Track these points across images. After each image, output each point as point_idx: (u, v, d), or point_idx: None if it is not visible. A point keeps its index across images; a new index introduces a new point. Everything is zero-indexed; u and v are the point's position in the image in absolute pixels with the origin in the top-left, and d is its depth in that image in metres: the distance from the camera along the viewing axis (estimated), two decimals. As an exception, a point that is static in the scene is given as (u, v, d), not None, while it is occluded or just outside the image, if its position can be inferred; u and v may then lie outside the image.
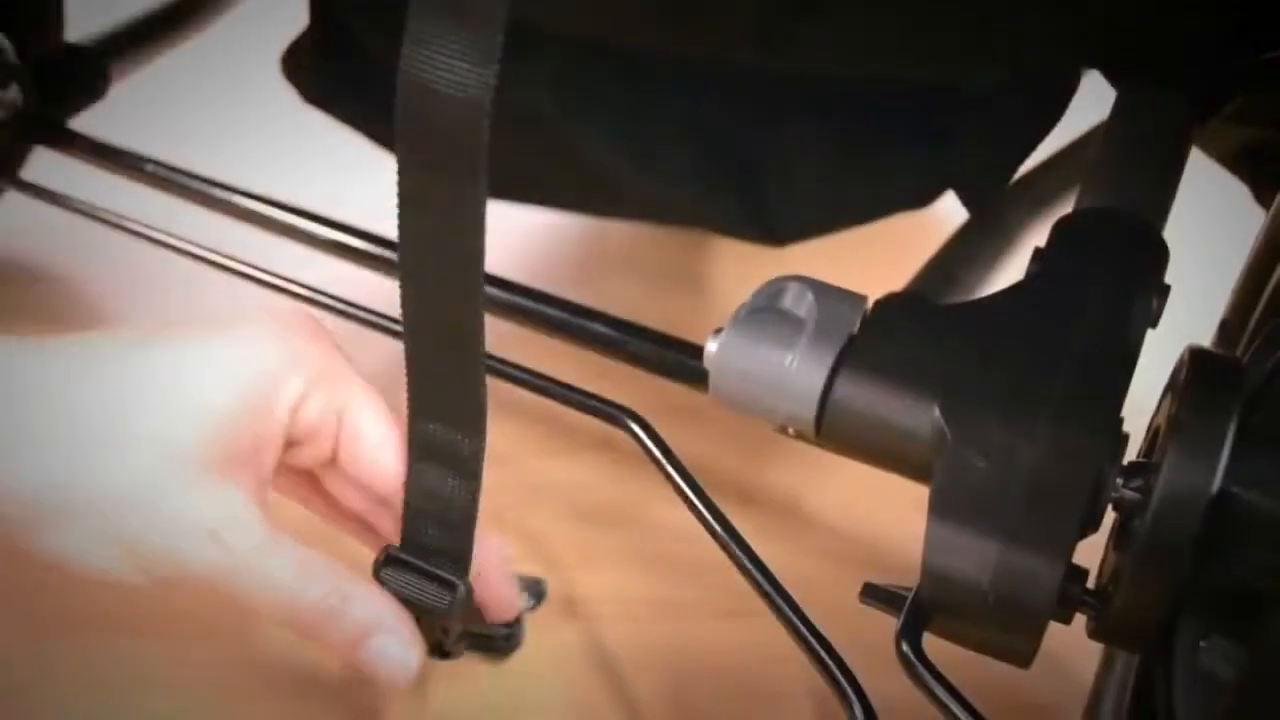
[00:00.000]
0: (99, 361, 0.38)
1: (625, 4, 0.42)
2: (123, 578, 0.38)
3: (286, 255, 0.58)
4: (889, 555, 0.60)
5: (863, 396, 0.39)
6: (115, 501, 0.37)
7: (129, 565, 0.37)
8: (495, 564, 0.44)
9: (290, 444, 0.41)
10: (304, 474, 0.44)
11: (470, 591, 0.43)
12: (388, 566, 0.42)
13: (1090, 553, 0.39)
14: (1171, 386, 0.39)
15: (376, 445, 0.41)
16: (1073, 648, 0.43)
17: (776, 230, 0.56)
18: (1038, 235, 0.49)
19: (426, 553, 0.42)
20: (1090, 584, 0.38)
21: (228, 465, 0.38)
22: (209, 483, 0.37)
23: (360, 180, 0.57)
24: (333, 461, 0.42)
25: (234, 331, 0.40)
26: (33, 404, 0.36)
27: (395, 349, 0.54)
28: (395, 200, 0.35)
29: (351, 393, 0.41)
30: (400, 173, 0.35)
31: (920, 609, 0.38)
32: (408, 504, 0.42)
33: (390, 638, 0.41)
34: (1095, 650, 0.46)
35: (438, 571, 0.42)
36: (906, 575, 0.39)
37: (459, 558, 0.42)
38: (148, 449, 0.37)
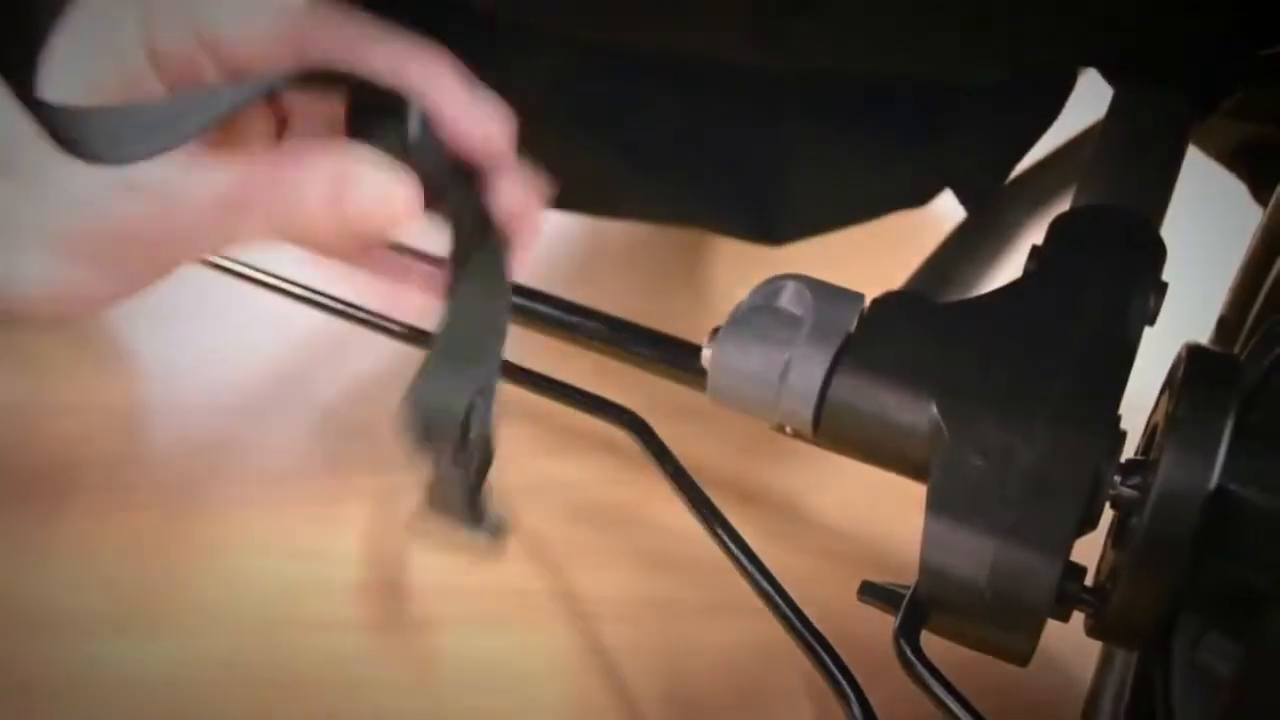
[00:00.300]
0: None
1: (623, 4, 0.42)
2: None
3: (286, 256, 0.58)
4: (888, 554, 0.60)
5: (860, 395, 0.39)
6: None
7: None
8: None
9: None
10: None
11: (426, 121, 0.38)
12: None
13: (1089, 550, 0.39)
14: (1169, 384, 0.39)
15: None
16: (1071, 645, 0.43)
17: (774, 229, 0.56)
18: (1035, 233, 0.49)
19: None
20: (1089, 581, 0.38)
21: None
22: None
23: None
24: None
25: None
26: None
27: (395, 349, 0.55)
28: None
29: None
30: None
31: (918, 607, 0.38)
32: None
33: (363, 168, 0.37)
34: (1093, 648, 0.46)
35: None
36: (906, 574, 0.39)
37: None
38: None
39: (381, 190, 0.37)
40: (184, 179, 0.35)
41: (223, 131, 0.37)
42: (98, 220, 0.35)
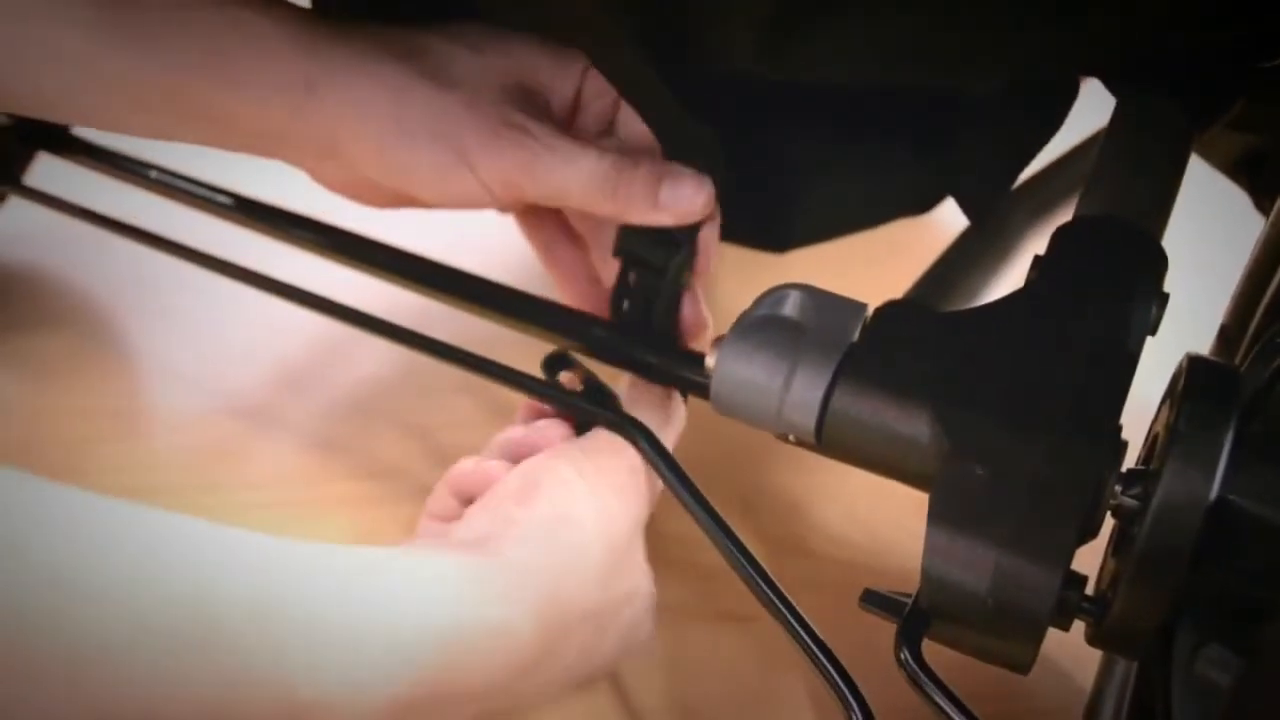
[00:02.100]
0: None
1: (624, 13, 0.43)
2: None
3: (288, 259, 0.58)
4: (890, 561, 0.60)
5: (862, 405, 0.40)
6: None
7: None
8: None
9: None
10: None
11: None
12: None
13: (1091, 558, 0.39)
14: (1170, 395, 0.39)
15: None
16: (1072, 653, 0.43)
17: (778, 236, 0.56)
18: (1038, 242, 0.49)
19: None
20: (1090, 589, 0.38)
21: None
22: None
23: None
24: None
25: None
26: None
27: (395, 351, 0.55)
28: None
29: None
30: None
31: (919, 615, 0.38)
32: None
33: (675, 176, 0.46)
34: (1094, 656, 0.46)
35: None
36: (908, 581, 0.39)
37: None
38: None
39: (690, 193, 0.46)
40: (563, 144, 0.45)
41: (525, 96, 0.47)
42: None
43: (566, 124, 0.48)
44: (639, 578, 0.44)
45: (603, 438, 0.45)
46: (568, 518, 0.40)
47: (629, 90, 0.47)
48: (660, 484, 0.45)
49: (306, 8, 0.47)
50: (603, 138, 0.49)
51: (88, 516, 0.29)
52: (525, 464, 0.43)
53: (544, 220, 0.52)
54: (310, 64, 0.44)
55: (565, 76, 0.48)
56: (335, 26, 0.46)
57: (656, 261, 0.48)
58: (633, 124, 0.48)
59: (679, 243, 0.47)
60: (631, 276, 0.49)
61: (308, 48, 0.44)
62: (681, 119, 0.47)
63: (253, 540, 0.33)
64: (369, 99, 0.45)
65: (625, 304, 0.49)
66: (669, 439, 0.46)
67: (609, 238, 0.50)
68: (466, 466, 0.45)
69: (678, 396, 0.48)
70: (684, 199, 0.46)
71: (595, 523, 0.41)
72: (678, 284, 0.48)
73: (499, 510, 0.40)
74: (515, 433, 0.47)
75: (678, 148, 0.48)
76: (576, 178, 0.45)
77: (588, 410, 0.46)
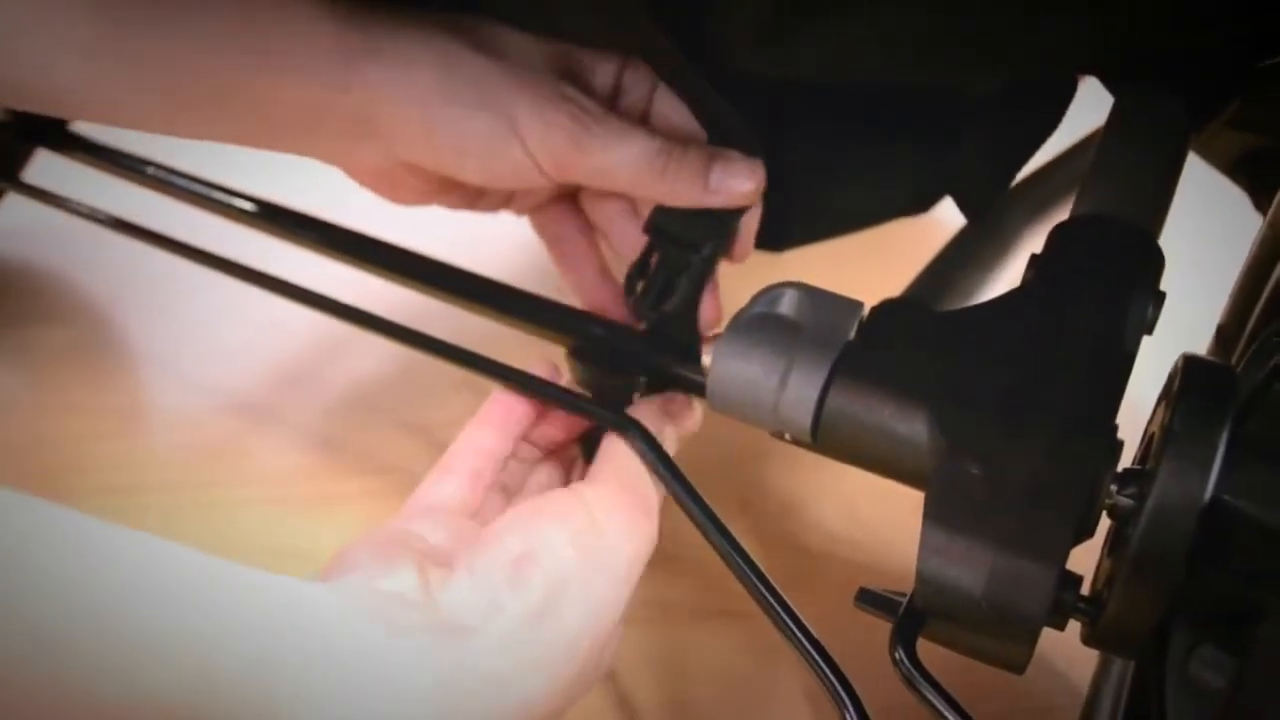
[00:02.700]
0: None
1: (624, 9, 0.42)
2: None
3: (287, 257, 0.58)
4: (887, 560, 0.60)
5: (858, 404, 0.40)
6: None
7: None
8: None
9: None
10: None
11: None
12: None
13: (1087, 558, 0.39)
14: (1166, 394, 0.39)
15: None
16: (1068, 652, 0.43)
17: (775, 235, 0.56)
18: (1035, 241, 0.49)
19: None
20: (1086, 590, 0.38)
21: None
22: None
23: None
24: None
25: None
26: None
27: (395, 350, 0.55)
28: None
29: None
30: None
31: (915, 614, 0.38)
32: None
33: (727, 159, 0.46)
34: (1091, 655, 0.46)
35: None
36: (904, 580, 0.39)
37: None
38: None
39: (742, 178, 0.46)
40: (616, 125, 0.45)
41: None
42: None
43: (609, 108, 0.47)
44: (598, 670, 0.42)
45: (613, 481, 0.42)
46: (555, 612, 0.38)
47: (672, 76, 0.46)
48: (662, 490, 0.44)
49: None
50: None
51: (80, 540, 0.29)
52: (527, 521, 0.40)
53: (556, 211, 0.52)
54: (351, 36, 0.43)
55: (606, 62, 0.47)
56: (374, 2, 0.44)
57: (695, 239, 0.47)
58: (668, 115, 0.47)
59: (722, 225, 0.47)
60: (655, 257, 0.48)
61: (346, 20, 0.43)
62: (728, 105, 0.46)
63: (245, 583, 0.33)
64: (415, 70, 0.43)
65: (640, 285, 0.48)
66: (669, 441, 0.45)
67: (627, 230, 0.49)
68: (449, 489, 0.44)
69: (696, 404, 0.47)
70: (736, 182, 0.46)
71: (580, 620, 0.38)
72: (709, 267, 0.47)
73: (485, 585, 0.37)
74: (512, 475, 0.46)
75: (724, 134, 0.47)
76: (628, 155, 0.44)
77: (587, 410, 0.46)
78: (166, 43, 0.42)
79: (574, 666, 0.38)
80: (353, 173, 0.49)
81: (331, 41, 0.43)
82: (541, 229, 0.53)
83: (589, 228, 0.52)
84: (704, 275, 0.47)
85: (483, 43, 0.44)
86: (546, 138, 0.44)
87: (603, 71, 0.47)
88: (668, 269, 0.47)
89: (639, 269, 0.48)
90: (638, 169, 0.45)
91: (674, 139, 0.46)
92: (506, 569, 0.38)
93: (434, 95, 0.43)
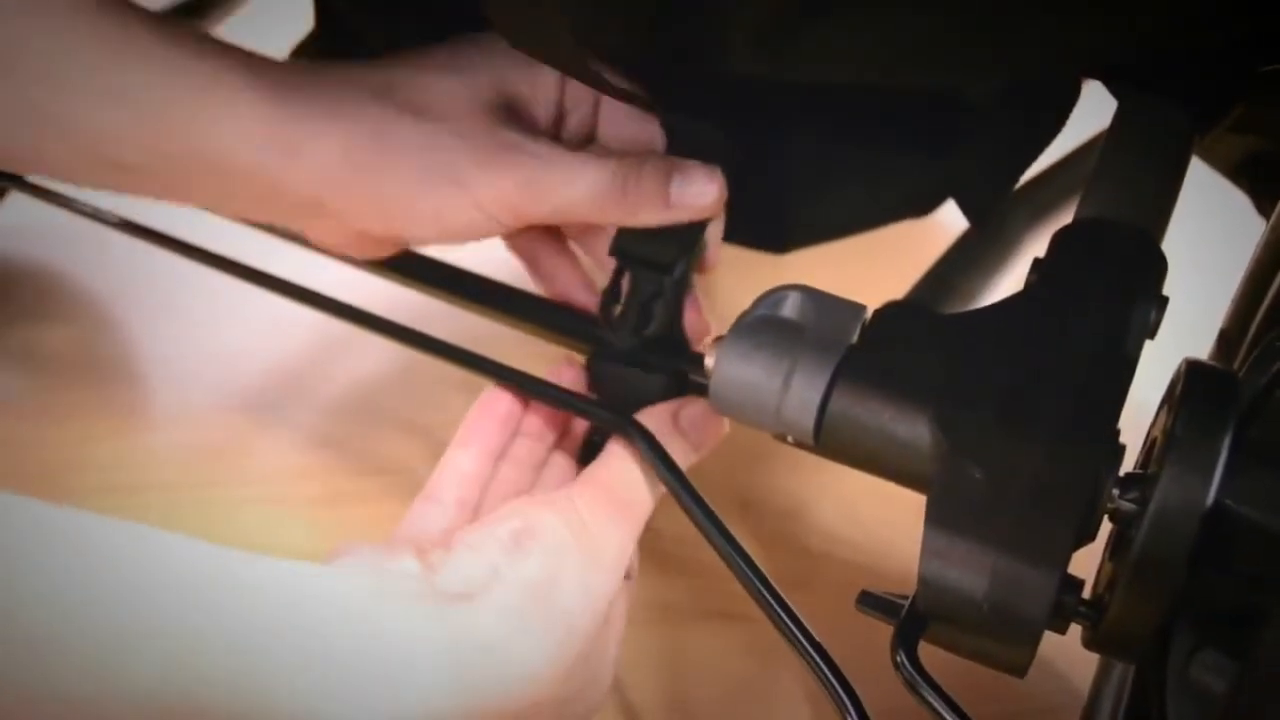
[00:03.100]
0: None
1: (625, 11, 0.42)
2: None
3: (288, 257, 0.58)
4: (888, 563, 0.60)
5: (861, 407, 0.40)
6: None
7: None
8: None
9: None
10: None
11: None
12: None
13: (1089, 562, 0.39)
14: (1168, 399, 0.39)
15: None
16: (1069, 655, 0.43)
17: (778, 237, 0.56)
18: (1038, 245, 0.49)
19: None
20: (1087, 593, 0.38)
21: None
22: None
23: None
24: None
25: None
26: None
27: (395, 350, 0.55)
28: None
29: None
30: None
31: (916, 617, 0.38)
32: None
33: (684, 170, 0.45)
34: (1091, 658, 0.46)
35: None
36: (906, 583, 0.39)
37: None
38: None
39: (700, 189, 0.45)
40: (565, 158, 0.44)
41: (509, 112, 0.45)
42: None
43: (555, 134, 0.47)
44: (602, 666, 0.42)
45: (603, 486, 0.43)
46: (551, 591, 0.38)
47: (617, 96, 0.46)
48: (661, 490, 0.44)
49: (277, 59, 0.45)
50: (586, 145, 0.47)
51: (80, 539, 0.29)
52: (525, 506, 0.41)
53: (528, 232, 0.50)
54: (283, 125, 0.42)
55: (544, 85, 0.46)
56: (305, 73, 0.44)
57: (664, 260, 0.46)
58: (615, 129, 0.47)
59: (688, 240, 0.46)
60: (626, 279, 0.47)
61: (273, 102, 0.42)
62: (683, 116, 0.46)
63: (242, 570, 0.33)
64: (354, 151, 0.43)
65: (616, 309, 0.47)
66: (679, 451, 0.45)
67: (601, 240, 0.48)
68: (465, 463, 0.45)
69: (725, 422, 0.46)
70: (696, 193, 0.45)
71: (576, 599, 0.39)
72: (684, 284, 0.47)
73: (485, 556, 0.38)
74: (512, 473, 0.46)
75: (683, 142, 0.46)
76: (582, 189, 0.44)
77: (588, 411, 0.46)
78: (102, 114, 0.42)
79: (574, 645, 0.38)
80: (320, 243, 0.49)
81: (265, 135, 0.42)
82: (516, 250, 0.52)
83: (563, 241, 0.51)
84: (679, 296, 0.47)
85: (410, 101, 0.44)
86: (496, 188, 0.43)
87: (543, 98, 0.47)
88: (641, 294, 0.47)
89: (611, 294, 0.47)
90: (596, 198, 0.44)
91: (627, 150, 0.46)
92: (505, 541, 0.39)
93: (375, 170, 0.43)
